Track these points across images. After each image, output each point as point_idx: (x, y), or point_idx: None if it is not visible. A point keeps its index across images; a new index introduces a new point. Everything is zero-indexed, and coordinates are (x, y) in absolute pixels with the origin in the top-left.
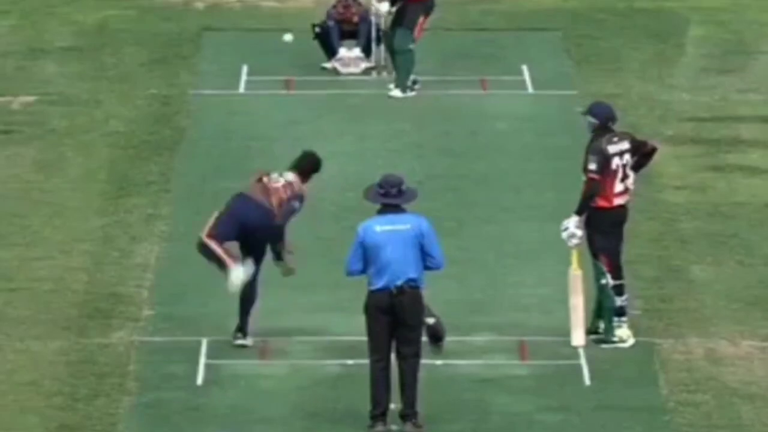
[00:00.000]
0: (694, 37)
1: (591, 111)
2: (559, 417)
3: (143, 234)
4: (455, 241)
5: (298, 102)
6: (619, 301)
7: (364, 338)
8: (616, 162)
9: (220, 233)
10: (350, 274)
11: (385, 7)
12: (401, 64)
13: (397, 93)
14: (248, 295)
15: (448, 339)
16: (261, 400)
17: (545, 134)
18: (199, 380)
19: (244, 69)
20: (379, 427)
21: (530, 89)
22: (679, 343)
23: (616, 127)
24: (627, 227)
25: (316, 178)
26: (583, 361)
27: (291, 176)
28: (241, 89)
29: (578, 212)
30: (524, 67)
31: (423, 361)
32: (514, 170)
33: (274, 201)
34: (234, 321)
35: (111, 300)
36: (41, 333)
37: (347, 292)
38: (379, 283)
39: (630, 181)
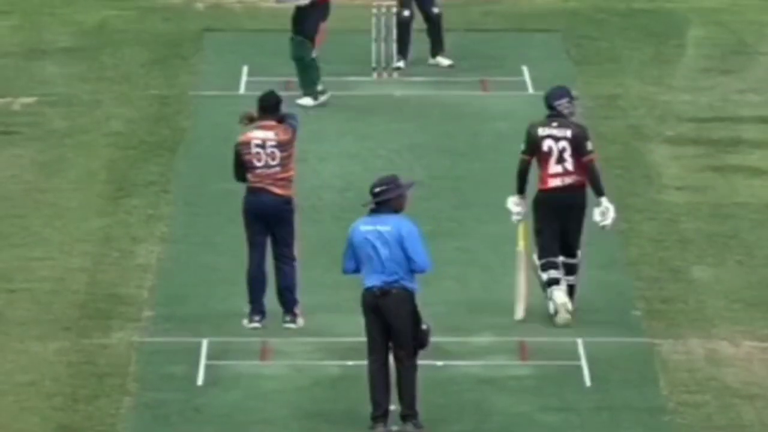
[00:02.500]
0: (694, 37)
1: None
2: (559, 417)
3: (143, 235)
4: (455, 241)
5: None
6: (545, 276)
7: (364, 339)
8: (548, 144)
9: None
10: (344, 272)
11: None
12: (304, 74)
13: (307, 101)
14: (253, 277)
15: (448, 340)
16: (261, 400)
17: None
18: (200, 381)
19: (245, 70)
20: (380, 428)
21: (530, 90)
22: (680, 344)
23: (617, 125)
24: (624, 226)
25: (315, 178)
26: (583, 362)
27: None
28: (242, 90)
29: (517, 190)
30: (524, 68)
31: (424, 362)
32: (514, 171)
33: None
34: (234, 321)
35: (111, 301)
36: (41, 333)
37: (347, 292)
38: (367, 283)
39: (570, 168)
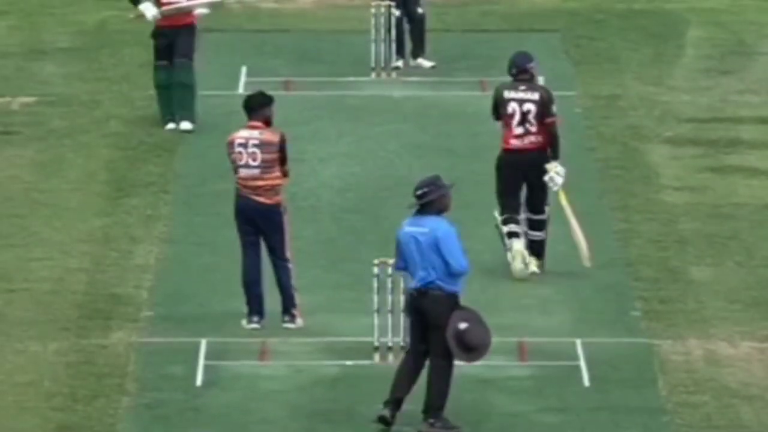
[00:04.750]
0: (694, 38)
1: (511, 60)
2: (558, 418)
3: (142, 235)
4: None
5: (297, 103)
6: (506, 229)
7: (364, 339)
8: (512, 106)
9: None
10: (396, 270)
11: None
12: (193, 98)
13: (187, 125)
14: (248, 278)
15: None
16: (260, 401)
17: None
18: (199, 381)
19: (243, 70)
20: (385, 411)
21: None
22: (679, 344)
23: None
24: (623, 226)
25: (315, 179)
26: (582, 362)
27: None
28: (240, 90)
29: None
30: None
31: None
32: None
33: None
34: (233, 321)
35: (110, 301)
36: (40, 334)
37: (347, 292)
38: (410, 284)
39: (532, 129)
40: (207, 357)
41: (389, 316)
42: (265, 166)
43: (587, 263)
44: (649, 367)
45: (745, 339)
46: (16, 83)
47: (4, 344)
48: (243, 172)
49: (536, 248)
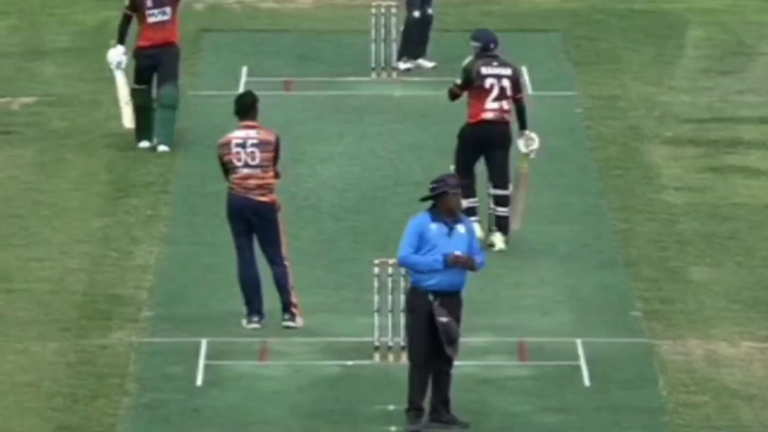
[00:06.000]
0: (694, 38)
1: (474, 36)
2: (558, 418)
3: (143, 235)
4: None
5: (297, 103)
6: (465, 203)
7: (364, 339)
8: (490, 82)
9: None
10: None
11: None
12: (173, 121)
13: (165, 148)
14: (245, 279)
15: None
16: (260, 401)
17: (544, 135)
18: (199, 381)
19: (244, 70)
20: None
21: (529, 90)
22: (679, 344)
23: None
24: (624, 227)
25: (315, 179)
26: (582, 362)
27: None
28: (241, 90)
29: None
30: (523, 68)
31: None
32: (513, 171)
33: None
34: (233, 321)
35: (110, 301)
36: (41, 334)
37: (347, 292)
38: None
39: (505, 104)
40: (207, 357)
41: (389, 316)
42: (264, 165)
43: (515, 226)
44: (650, 367)
45: (745, 339)
46: (16, 83)
47: (4, 344)
48: (243, 172)
49: (502, 223)
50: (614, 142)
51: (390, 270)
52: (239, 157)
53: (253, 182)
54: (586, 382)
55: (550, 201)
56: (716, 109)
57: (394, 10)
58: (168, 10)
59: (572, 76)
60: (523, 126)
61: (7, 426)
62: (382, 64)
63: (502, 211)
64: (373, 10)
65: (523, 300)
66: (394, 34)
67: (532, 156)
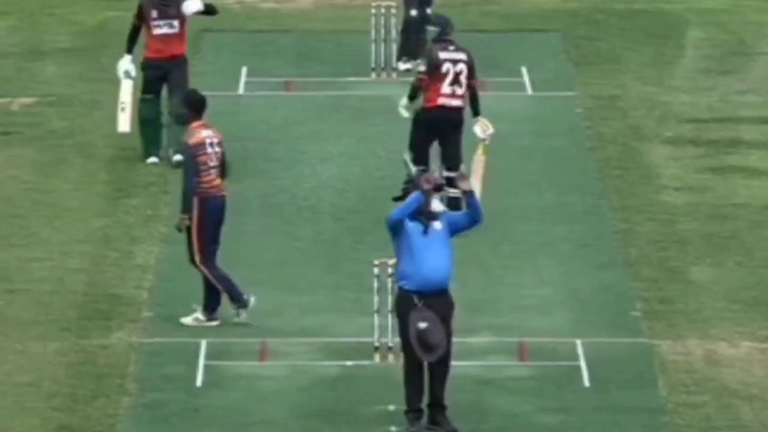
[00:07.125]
0: (694, 38)
1: (432, 21)
2: (558, 418)
3: (142, 235)
4: (454, 241)
5: (297, 103)
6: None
7: (364, 339)
8: (447, 66)
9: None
10: None
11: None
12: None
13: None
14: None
15: None
16: (260, 401)
17: (544, 135)
18: (199, 381)
19: (244, 70)
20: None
21: (529, 91)
22: (679, 345)
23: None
24: (623, 227)
25: (315, 179)
26: (582, 363)
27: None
28: (241, 90)
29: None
30: (523, 69)
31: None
32: (513, 171)
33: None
34: (232, 321)
35: (110, 301)
36: (41, 334)
37: (347, 293)
38: None
39: (461, 90)
40: (207, 357)
41: (389, 316)
42: (221, 163)
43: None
44: (649, 367)
45: (745, 339)
46: (16, 83)
47: (4, 344)
48: (213, 172)
49: (454, 204)
50: (614, 142)
51: (390, 270)
52: (211, 158)
53: (218, 181)
54: (586, 382)
55: (550, 201)
56: (716, 109)
57: (394, 11)
58: (175, 23)
59: (572, 76)
60: (476, 112)
61: (7, 426)
62: (382, 65)
63: (453, 192)
64: (373, 10)
65: (523, 300)
66: (394, 35)
67: (487, 142)
